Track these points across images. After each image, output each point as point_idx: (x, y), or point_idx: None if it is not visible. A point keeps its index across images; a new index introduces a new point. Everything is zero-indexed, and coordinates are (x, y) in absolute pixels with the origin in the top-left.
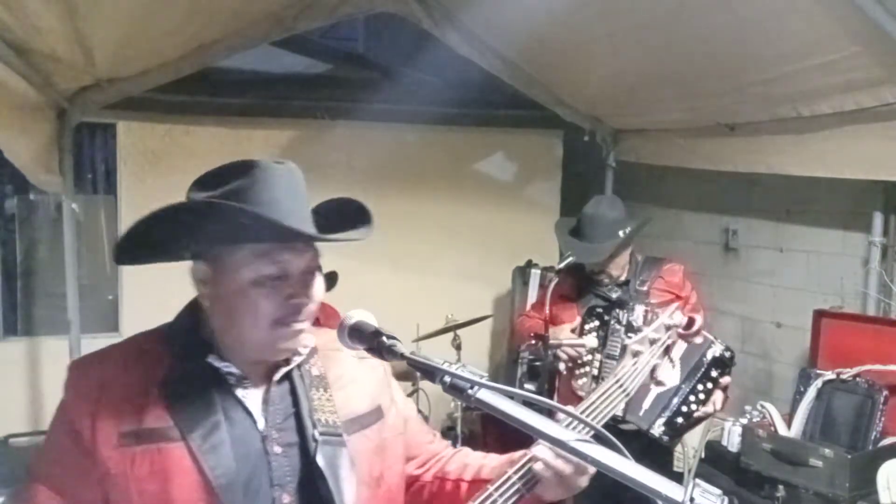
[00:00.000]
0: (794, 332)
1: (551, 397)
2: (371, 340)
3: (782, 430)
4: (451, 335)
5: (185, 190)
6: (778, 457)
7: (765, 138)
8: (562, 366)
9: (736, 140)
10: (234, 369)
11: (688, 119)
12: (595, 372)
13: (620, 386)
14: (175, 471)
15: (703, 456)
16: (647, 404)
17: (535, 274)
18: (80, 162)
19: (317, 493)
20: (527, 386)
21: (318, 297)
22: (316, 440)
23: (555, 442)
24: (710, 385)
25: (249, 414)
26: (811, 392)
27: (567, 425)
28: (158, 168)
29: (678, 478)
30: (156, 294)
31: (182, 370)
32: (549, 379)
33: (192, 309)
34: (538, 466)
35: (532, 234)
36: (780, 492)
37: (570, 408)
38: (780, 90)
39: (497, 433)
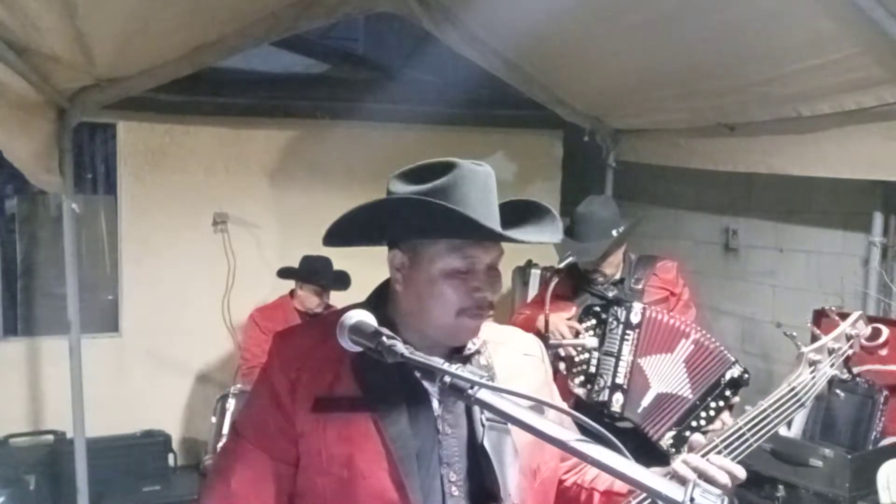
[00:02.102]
0: (794, 333)
1: None
2: (371, 340)
3: (782, 430)
4: None
5: (185, 189)
6: (778, 457)
7: (765, 138)
8: (562, 365)
9: (736, 140)
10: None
11: (688, 119)
12: (592, 370)
13: (795, 395)
14: (361, 439)
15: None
16: (646, 402)
17: (535, 274)
18: (80, 162)
19: (482, 474)
20: None
21: (499, 291)
22: (483, 425)
23: (554, 442)
24: (721, 403)
25: (426, 395)
26: None
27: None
28: (158, 168)
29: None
30: (156, 294)
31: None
32: None
33: (381, 292)
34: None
35: None
36: (780, 492)
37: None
38: (780, 90)
39: None
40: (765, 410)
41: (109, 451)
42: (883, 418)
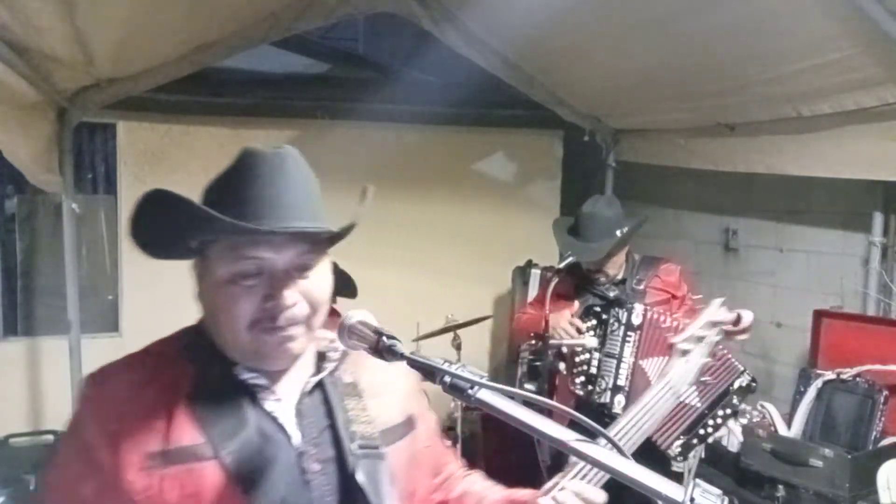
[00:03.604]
0: (794, 332)
1: (551, 397)
2: (370, 340)
3: (782, 430)
4: (451, 335)
5: (185, 189)
6: (778, 457)
7: (765, 138)
8: (562, 365)
9: (736, 140)
10: (261, 380)
11: (688, 119)
12: (594, 371)
13: (670, 388)
14: (209, 493)
15: (703, 456)
16: None
17: (535, 274)
18: (80, 162)
19: None
20: (527, 386)
21: (316, 298)
22: (355, 455)
23: (554, 442)
24: (728, 411)
25: (282, 429)
26: (811, 392)
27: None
28: (158, 168)
29: (678, 478)
30: (156, 294)
31: (209, 382)
32: (549, 379)
33: None
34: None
35: (532, 234)
36: (780, 492)
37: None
38: (780, 90)
39: (497, 433)
40: (646, 404)
41: None
42: (883, 418)
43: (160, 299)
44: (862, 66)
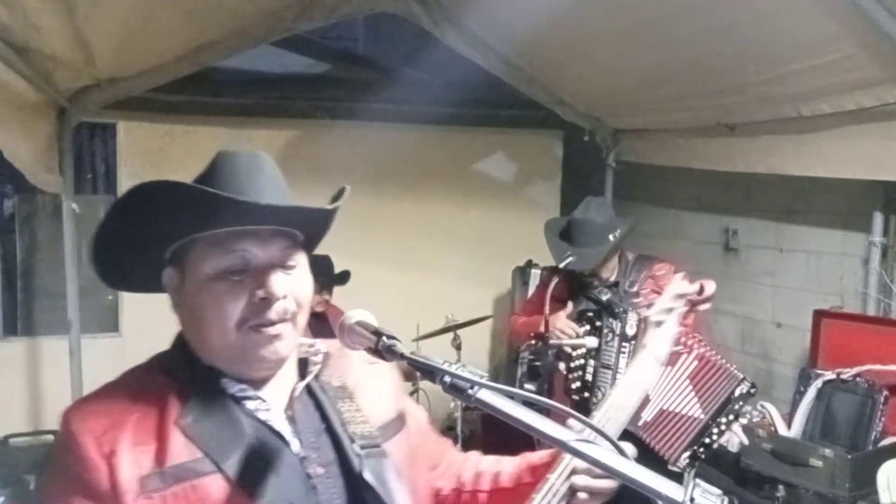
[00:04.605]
0: (794, 332)
1: (551, 397)
2: (370, 340)
3: (782, 430)
4: (451, 335)
5: None
6: (778, 457)
7: (765, 138)
8: (561, 365)
9: (736, 140)
10: (250, 392)
11: (688, 119)
12: (589, 378)
13: (655, 357)
14: None
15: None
16: (647, 416)
17: (535, 274)
18: (80, 162)
19: None
20: (527, 386)
21: (301, 295)
22: (359, 455)
23: (554, 442)
24: (731, 417)
25: (280, 436)
26: (811, 392)
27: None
28: (158, 168)
29: (677, 478)
30: (156, 295)
31: (197, 397)
32: (549, 379)
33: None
34: (578, 481)
35: (532, 234)
36: (780, 492)
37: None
38: (780, 90)
39: (497, 433)
40: (632, 377)
41: None
42: (883, 418)
43: (160, 299)
44: (862, 66)
